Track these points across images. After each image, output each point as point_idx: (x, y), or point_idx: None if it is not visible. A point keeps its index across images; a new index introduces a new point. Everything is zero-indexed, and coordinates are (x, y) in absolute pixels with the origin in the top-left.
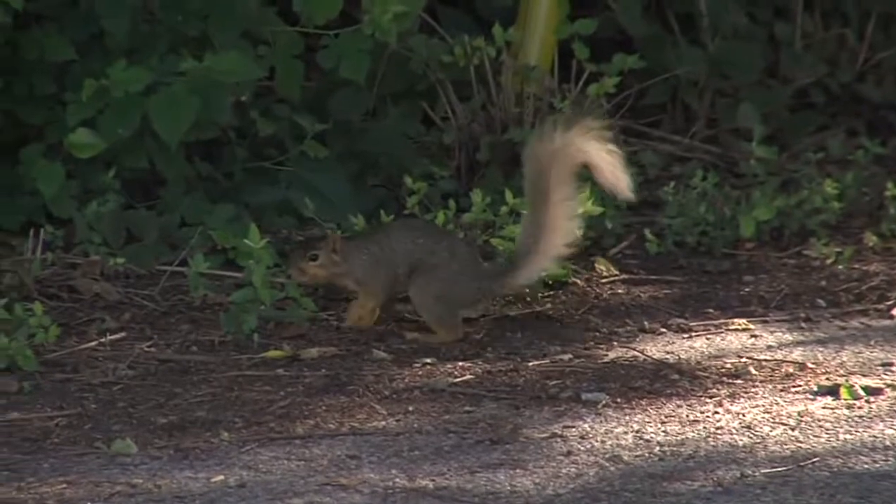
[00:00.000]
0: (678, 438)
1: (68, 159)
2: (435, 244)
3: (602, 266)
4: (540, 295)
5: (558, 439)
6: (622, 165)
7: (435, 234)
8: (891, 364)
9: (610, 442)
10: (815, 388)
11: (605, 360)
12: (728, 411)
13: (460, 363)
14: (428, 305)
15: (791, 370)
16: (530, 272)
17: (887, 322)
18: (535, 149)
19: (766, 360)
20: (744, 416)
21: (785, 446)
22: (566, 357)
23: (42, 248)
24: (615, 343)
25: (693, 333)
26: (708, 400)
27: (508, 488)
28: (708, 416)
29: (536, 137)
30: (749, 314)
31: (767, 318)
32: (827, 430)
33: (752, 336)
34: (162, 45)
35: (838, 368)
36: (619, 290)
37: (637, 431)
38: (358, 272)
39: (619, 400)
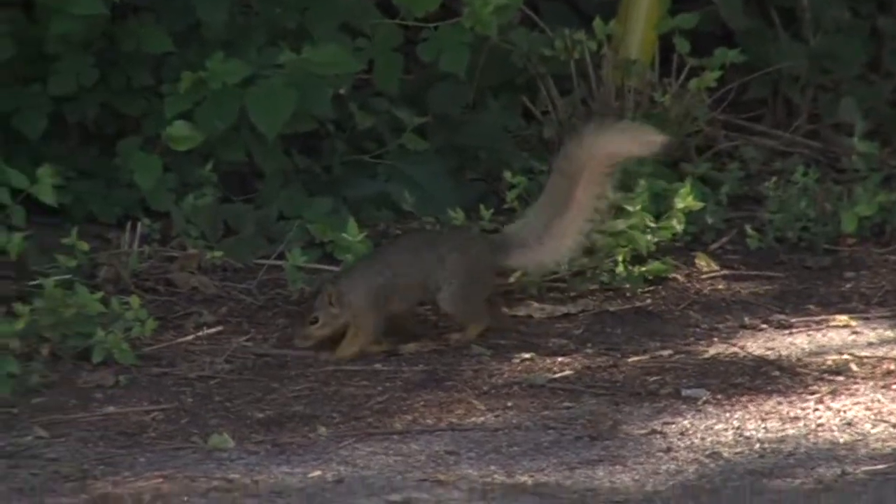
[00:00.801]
0: (778, 435)
1: (165, 152)
2: (441, 251)
3: (702, 261)
4: (640, 290)
5: (658, 436)
6: (636, 130)
7: (436, 241)
8: None
9: (710, 438)
10: None
11: (706, 356)
12: (829, 408)
13: (559, 358)
14: (460, 310)
15: (892, 367)
16: (522, 260)
17: None
18: (570, 149)
19: (867, 357)
20: (845, 413)
21: (886, 444)
22: (666, 353)
23: (139, 241)
24: (715, 339)
25: (794, 330)
26: (808, 397)
27: (608, 485)
28: (808, 413)
29: (573, 139)
30: (850, 310)
31: (869, 315)
32: None
33: (854, 332)
34: (260, 37)
35: None
36: (720, 286)
37: (737, 428)
38: (354, 312)
39: (719, 396)
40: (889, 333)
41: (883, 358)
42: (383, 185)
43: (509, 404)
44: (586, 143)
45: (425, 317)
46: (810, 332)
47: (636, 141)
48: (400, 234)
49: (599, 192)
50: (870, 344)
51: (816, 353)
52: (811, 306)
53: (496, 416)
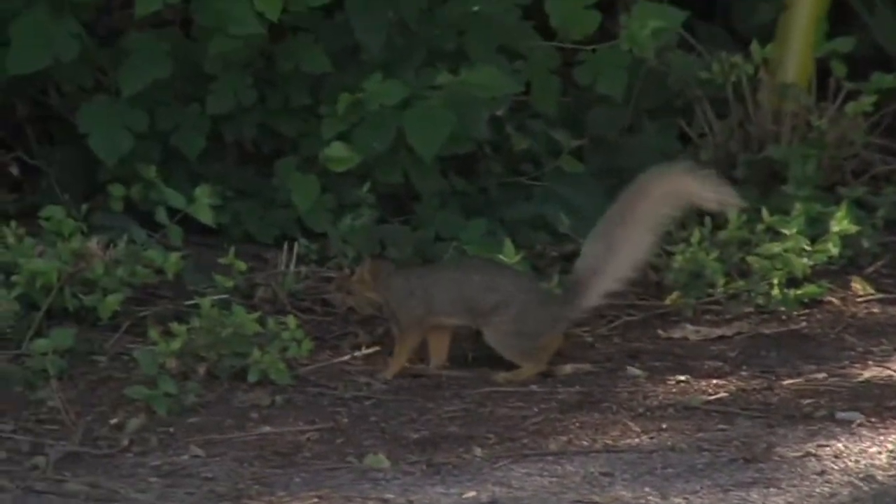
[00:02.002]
0: None
1: (323, 172)
2: (493, 281)
3: (858, 284)
4: (795, 313)
5: (812, 458)
6: (717, 184)
7: (492, 270)
8: None
9: (864, 461)
10: None
11: (860, 379)
12: None
13: (714, 381)
14: (507, 343)
15: None
16: (597, 294)
17: None
18: (647, 179)
19: None
20: None
21: None
22: (820, 375)
23: (296, 261)
24: (870, 362)
25: None
26: None
27: None
28: None
29: (655, 171)
30: None
31: None
32: None
33: None
34: (417, 59)
35: None
36: (875, 310)
37: (891, 451)
38: (393, 302)
39: (873, 419)
40: None
41: None
42: (540, 207)
43: (664, 426)
44: (667, 176)
45: (582, 339)
46: None
47: (713, 193)
48: (468, 256)
49: (660, 215)
50: None
51: None
52: None
53: (651, 438)
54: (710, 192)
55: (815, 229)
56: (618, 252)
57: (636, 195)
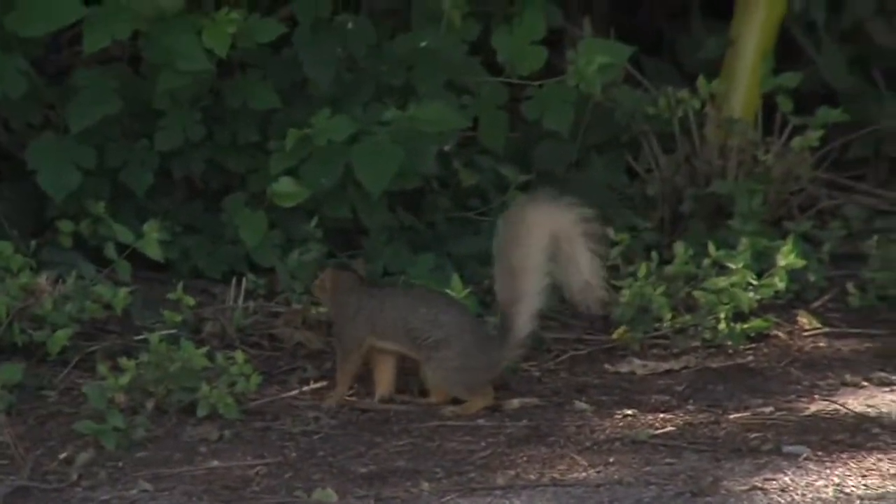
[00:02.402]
0: (878, 492)
1: (271, 208)
2: (439, 315)
3: (804, 319)
4: (742, 347)
5: (759, 492)
6: (598, 273)
7: (439, 304)
8: None
9: (811, 495)
10: None
11: (807, 412)
12: None
13: (661, 415)
14: (451, 378)
15: None
16: (525, 321)
17: None
18: (509, 217)
19: None
20: None
21: None
22: (767, 409)
23: (244, 296)
24: (816, 396)
25: (895, 387)
26: None
27: None
28: None
29: (513, 206)
30: None
31: None
32: None
33: None
34: (366, 94)
35: None
36: (821, 343)
37: (837, 485)
38: (339, 317)
39: (819, 453)
40: None
41: None
42: (488, 241)
43: (611, 460)
44: (521, 216)
45: (529, 374)
46: None
47: (567, 215)
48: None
49: (538, 240)
50: None
51: None
52: None
53: (598, 472)
54: (565, 216)
55: (762, 263)
56: (521, 275)
57: (511, 228)
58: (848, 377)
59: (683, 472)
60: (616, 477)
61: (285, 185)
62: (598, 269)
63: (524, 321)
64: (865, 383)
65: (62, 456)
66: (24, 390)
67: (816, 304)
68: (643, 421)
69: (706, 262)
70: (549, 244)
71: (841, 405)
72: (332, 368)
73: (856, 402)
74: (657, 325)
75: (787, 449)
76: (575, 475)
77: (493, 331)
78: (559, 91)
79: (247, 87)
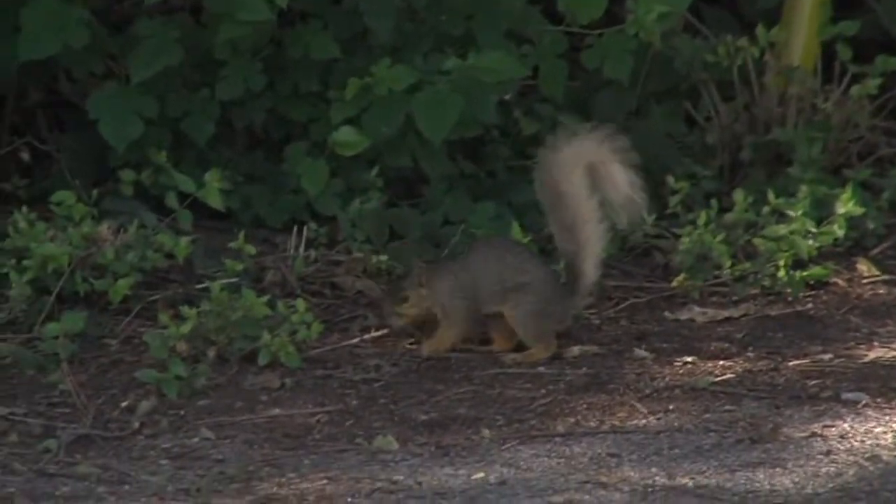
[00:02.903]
0: None
1: (332, 157)
2: (524, 262)
3: (863, 266)
4: (801, 295)
5: (818, 438)
6: (638, 185)
7: (522, 252)
8: None
9: (869, 441)
10: None
11: (865, 360)
12: None
13: (721, 362)
14: (526, 322)
15: None
16: (585, 290)
17: None
18: (548, 161)
19: None
20: None
21: None
22: (826, 357)
23: (305, 245)
24: (875, 343)
25: None
26: None
27: (768, 487)
28: None
29: (547, 149)
30: None
31: None
32: None
33: None
34: (426, 44)
35: None
36: (880, 291)
37: None
38: (443, 299)
39: (878, 400)
40: None
41: None
42: None
43: (671, 407)
44: (559, 154)
45: (589, 321)
46: None
47: (605, 147)
48: (492, 237)
49: (591, 193)
50: None
51: None
52: None
53: (658, 419)
54: (601, 147)
55: (821, 211)
56: (577, 226)
57: (552, 177)
58: None
59: (743, 419)
60: (675, 424)
61: (346, 134)
62: (636, 182)
63: (590, 269)
64: None
65: (124, 404)
66: (86, 339)
67: (875, 251)
68: (703, 368)
69: (765, 209)
70: (587, 177)
71: None
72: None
73: None
74: (717, 272)
75: (845, 396)
76: (634, 422)
77: (562, 280)
78: (619, 40)
79: (308, 36)
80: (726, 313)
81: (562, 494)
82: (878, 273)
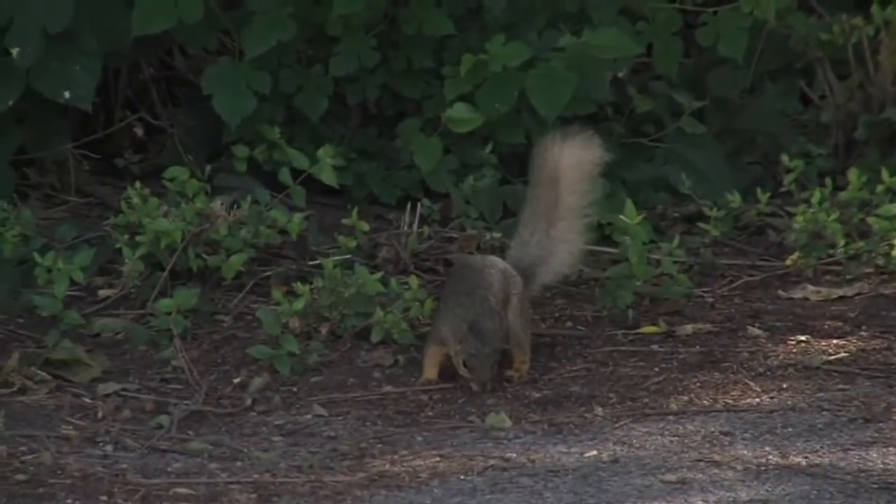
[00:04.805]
0: None
1: (445, 133)
2: (510, 276)
3: None
4: None
5: None
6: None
7: (500, 264)
8: None
9: None
10: None
11: None
12: None
13: (834, 341)
14: (524, 336)
15: None
16: (539, 284)
17: None
18: (544, 155)
19: None
20: None
21: None
22: None
23: (418, 221)
24: None
25: None
26: None
27: (881, 466)
28: None
29: (547, 144)
30: None
31: None
32: None
33: None
34: (540, 21)
35: None
36: None
37: None
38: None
39: None
40: None
41: None
42: (661, 168)
43: (784, 386)
44: (555, 154)
45: (703, 300)
46: None
47: (592, 153)
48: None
49: (583, 195)
50: None
51: None
52: None
53: (771, 398)
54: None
55: None
56: (553, 222)
57: (547, 177)
58: None
59: (856, 398)
60: (789, 403)
61: (460, 110)
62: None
63: (543, 282)
64: None
65: (236, 380)
66: (199, 315)
67: None
68: (816, 347)
69: (880, 188)
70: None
71: None
72: None
73: None
74: (831, 251)
75: None
76: (748, 401)
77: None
78: (733, 17)
79: (421, 13)
80: (840, 292)
81: (675, 473)
82: None
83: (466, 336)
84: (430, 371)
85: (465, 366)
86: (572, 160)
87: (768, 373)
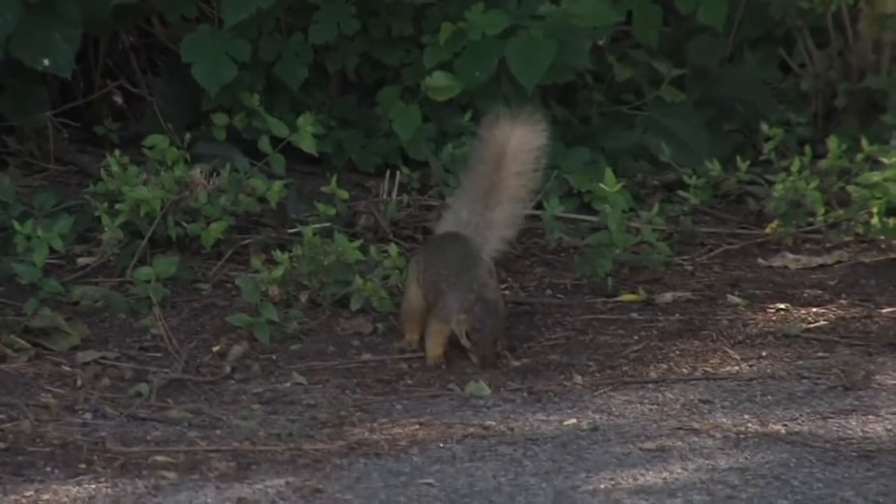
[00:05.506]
0: None
1: (425, 102)
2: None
3: None
4: (895, 241)
5: None
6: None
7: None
8: None
9: None
10: None
11: None
12: None
13: (814, 309)
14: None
15: None
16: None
17: None
18: (493, 132)
19: None
20: None
21: None
22: None
23: (397, 189)
24: None
25: None
26: None
27: (860, 434)
28: None
29: (491, 124)
30: None
31: None
32: None
33: None
34: None
35: None
36: None
37: None
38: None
39: None
40: None
41: None
42: (641, 136)
43: (763, 354)
44: (504, 133)
45: (682, 268)
46: None
47: (535, 135)
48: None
49: (524, 181)
50: None
51: None
52: None
53: (750, 366)
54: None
55: None
56: (494, 199)
57: (492, 156)
58: None
59: (836, 366)
60: (768, 371)
61: (439, 78)
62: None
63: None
64: None
65: (216, 349)
66: (178, 283)
67: None
68: (796, 315)
69: (859, 156)
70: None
71: None
72: None
73: None
74: (810, 219)
75: None
76: (727, 369)
77: None
78: None
79: None
80: (819, 260)
81: (654, 440)
82: None
83: (472, 307)
84: (437, 350)
85: (467, 337)
86: (519, 143)
87: (748, 341)
